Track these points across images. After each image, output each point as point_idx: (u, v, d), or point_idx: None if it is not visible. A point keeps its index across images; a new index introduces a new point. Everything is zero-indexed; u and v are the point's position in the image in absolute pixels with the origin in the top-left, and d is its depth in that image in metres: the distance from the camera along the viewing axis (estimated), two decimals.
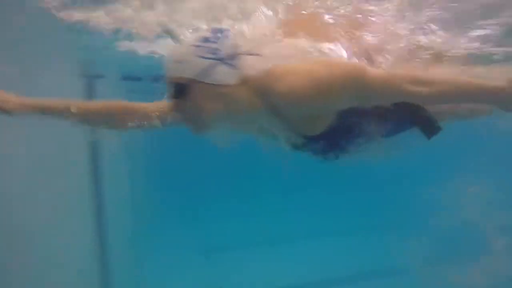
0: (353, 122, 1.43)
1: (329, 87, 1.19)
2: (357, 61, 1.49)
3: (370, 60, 1.52)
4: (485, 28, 1.83)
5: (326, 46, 1.38)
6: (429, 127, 1.48)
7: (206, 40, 1.27)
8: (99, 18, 1.84)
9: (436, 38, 1.76)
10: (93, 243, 3.70)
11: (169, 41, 2.10)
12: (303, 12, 1.64)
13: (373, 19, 1.73)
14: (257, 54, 1.30)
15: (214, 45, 1.26)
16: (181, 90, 1.25)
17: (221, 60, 1.25)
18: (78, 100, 1.46)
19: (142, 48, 2.63)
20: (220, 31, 1.31)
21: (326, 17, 1.61)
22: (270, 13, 1.48)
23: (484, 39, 1.88)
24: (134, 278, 4.33)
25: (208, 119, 1.28)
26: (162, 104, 1.42)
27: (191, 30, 1.64)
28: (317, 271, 4.43)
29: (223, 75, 1.24)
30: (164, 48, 2.36)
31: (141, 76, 3.68)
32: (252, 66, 1.27)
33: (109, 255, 3.86)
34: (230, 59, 1.25)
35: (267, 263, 4.55)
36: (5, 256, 2.06)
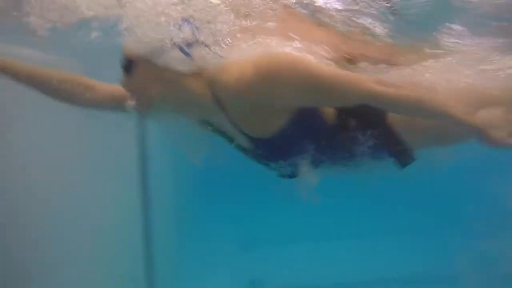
0: (310, 140, 1.33)
1: (266, 77, 1.12)
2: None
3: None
4: None
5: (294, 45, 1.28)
6: (402, 156, 1.38)
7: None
8: None
9: None
10: (138, 235, 3.91)
11: None
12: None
13: None
14: (213, 47, 1.25)
15: (174, 30, 1.23)
16: (130, 65, 1.25)
17: (176, 45, 1.22)
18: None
19: None
20: (185, 19, 1.27)
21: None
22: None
23: None
24: (176, 268, 4.50)
25: (152, 101, 1.26)
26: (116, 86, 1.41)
27: None
28: (359, 271, 4.27)
29: (176, 60, 1.22)
30: None
31: None
32: (207, 58, 1.23)
33: (153, 248, 4.05)
34: (186, 47, 1.22)
35: (309, 260, 4.48)
36: (52, 256, 2.21)
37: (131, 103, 1.28)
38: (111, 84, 1.46)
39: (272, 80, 1.12)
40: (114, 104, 1.43)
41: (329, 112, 1.34)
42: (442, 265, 4.05)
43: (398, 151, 1.38)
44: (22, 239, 1.95)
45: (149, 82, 1.25)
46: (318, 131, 1.33)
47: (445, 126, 1.30)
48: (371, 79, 1.19)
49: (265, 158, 1.44)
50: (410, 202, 4.61)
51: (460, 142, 1.48)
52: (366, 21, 1.41)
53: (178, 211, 4.87)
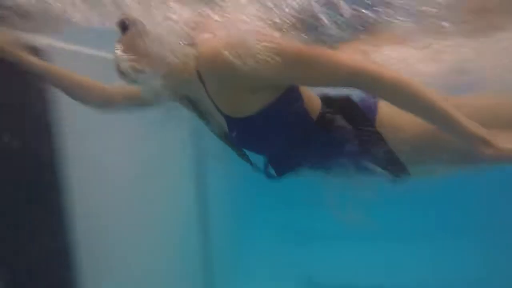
0: (289, 131, 1.27)
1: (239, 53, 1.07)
2: None
3: None
4: None
5: None
6: (392, 168, 1.27)
7: None
8: None
9: None
10: (195, 228, 4.11)
11: None
12: None
13: None
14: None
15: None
16: (125, 25, 1.25)
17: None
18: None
19: None
20: None
21: None
22: None
23: None
24: (233, 263, 4.60)
25: (142, 66, 1.23)
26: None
27: None
28: (411, 274, 4.07)
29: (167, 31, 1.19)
30: None
31: None
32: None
33: (211, 244, 4.22)
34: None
35: (362, 259, 4.36)
36: (113, 256, 2.35)
37: (123, 65, 1.26)
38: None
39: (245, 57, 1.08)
40: (125, 101, 1.51)
41: (314, 106, 1.29)
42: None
43: (387, 160, 1.27)
44: (99, 235, 2.15)
45: (141, 46, 1.22)
46: (299, 122, 1.27)
47: (443, 139, 1.16)
48: (360, 57, 1.12)
49: (241, 144, 1.39)
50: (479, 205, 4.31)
51: (462, 162, 1.29)
52: None
53: (235, 208, 5.01)
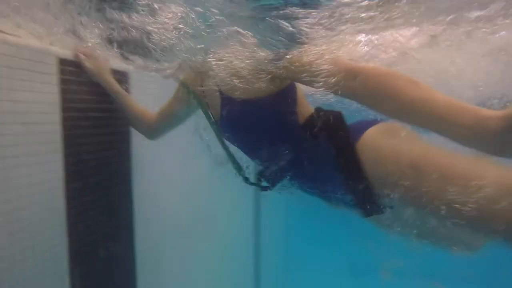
0: (275, 129, 1.34)
1: None
2: None
3: None
4: None
5: None
6: (368, 206, 1.25)
7: None
8: None
9: None
10: (249, 255, 4.28)
11: None
12: None
13: None
14: None
15: None
16: None
17: None
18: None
19: None
20: None
21: None
22: None
23: None
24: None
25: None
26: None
27: None
28: None
29: None
30: None
31: None
32: None
33: (261, 270, 4.28)
34: None
35: None
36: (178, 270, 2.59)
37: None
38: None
39: None
40: (164, 119, 1.78)
41: (304, 111, 1.37)
42: None
43: (357, 185, 1.23)
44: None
45: None
46: (286, 121, 1.34)
47: (430, 171, 1.07)
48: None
49: (227, 127, 1.45)
50: None
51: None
52: None
53: (287, 234, 4.98)
